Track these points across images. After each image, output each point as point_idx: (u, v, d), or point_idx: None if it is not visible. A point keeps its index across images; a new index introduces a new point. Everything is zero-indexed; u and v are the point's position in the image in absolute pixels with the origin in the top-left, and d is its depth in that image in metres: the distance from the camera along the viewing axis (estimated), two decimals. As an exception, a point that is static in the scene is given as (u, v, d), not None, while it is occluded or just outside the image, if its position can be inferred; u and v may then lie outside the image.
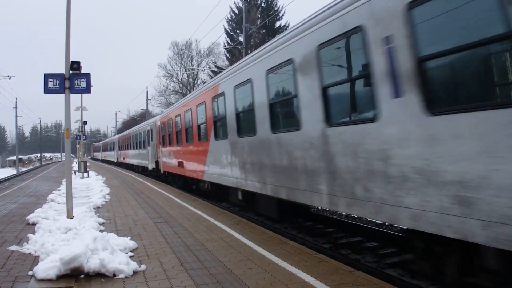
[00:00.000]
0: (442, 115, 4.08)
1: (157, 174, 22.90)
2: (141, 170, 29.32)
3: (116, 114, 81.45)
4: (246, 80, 9.04)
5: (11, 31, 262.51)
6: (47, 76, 8.72)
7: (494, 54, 3.82)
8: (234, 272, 5.18)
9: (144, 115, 53.83)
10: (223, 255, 5.99)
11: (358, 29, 5.24)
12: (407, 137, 4.54)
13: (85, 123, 29.95)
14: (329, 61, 6.17)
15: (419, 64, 4.30)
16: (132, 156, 33.02)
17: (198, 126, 13.22)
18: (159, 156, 21.70)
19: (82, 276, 5.11)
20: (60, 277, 5.03)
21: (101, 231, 7.36)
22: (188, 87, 56.31)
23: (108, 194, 14.24)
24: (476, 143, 3.73)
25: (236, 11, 44.83)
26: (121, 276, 5.09)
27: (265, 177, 8.30)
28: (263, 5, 44.44)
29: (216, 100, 11.23)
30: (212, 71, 43.12)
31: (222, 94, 10.58)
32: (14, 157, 77.27)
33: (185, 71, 56.78)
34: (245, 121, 9.44)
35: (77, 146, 33.68)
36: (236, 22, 44.16)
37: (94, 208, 10.75)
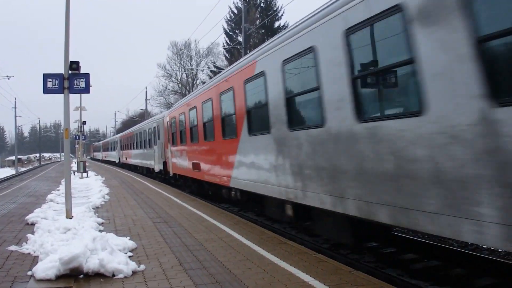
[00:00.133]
0: None
1: (165, 177, 20.82)
2: (145, 172, 27.57)
3: (115, 114, 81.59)
4: (305, 50, 6.48)
5: (11, 31, 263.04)
6: (46, 76, 8.73)
7: None
8: (233, 272, 5.18)
9: (143, 115, 53.80)
10: (222, 255, 5.99)
11: None
12: None
13: (84, 123, 29.88)
14: None
15: None
16: (136, 156, 30.69)
17: (222, 120, 10.72)
18: (167, 157, 19.57)
19: (81, 276, 5.11)
20: (59, 277, 5.02)
21: (100, 231, 7.36)
22: (187, 87, 56.36)
23: (107, 194, 14.24)
24: None
25: (235, 11, 44.86)
26: (120, 276, 5.09)
27: (344, 189, 5.69)
28: (262, 5, 44.47)
29: (250, 83, 8.78)
30: (211, 71, 43.12)
31: (261, 74, 8.14)
32: (13, 157, 77.18)
33: (184, 71, 56.86)
34: (303, 107, 7.15)
35: (76, 146, 33.65)
36: (235, 22, 44.15)
37: (93, 208, 10.75)
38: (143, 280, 4.99)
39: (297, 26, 6.90)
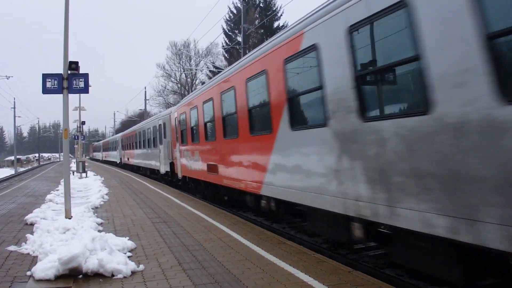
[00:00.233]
0: None
1: (172, 179, 18.70)
2: (149, 173, 25.41)
3: (114, 114, 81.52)
4: (393, 5, 4.51)
5: (11, 31, 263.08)
6: (45, 76, 8.73)
7: None
8: (232, 272, 5.18)
9: (143, 115, 53.79)
10: (222, 255, 5.99)
11: None
12: None
13: (83, 123, 29.88)
14: None
15: None
16: (139, 157, 28.39)
17: (249, 112, 8.80)
18: (175, 157, 17.62)
19: (81, 276, 5.11)
20: (59, 277, 5.03)
21: (100, 231, 7.37)
22: (186, 87, 56.38)
23: (106, 194, 14.24)
24: None
25: (235, 11, 44.89)
26: (120, 276, 5.09)
27: (476, 206, 3.69)
28: (261, 5, 44.53)
29: (294, 61, 6.93)
30: (210, 71, 43.13)
31: (312, 48, 6.29)
32: (12, 157, 77.17)
33: (184, 71, 56.90)
34: (386, 88, 5.17)
35: (75, 146, 33.62)
36: (235, 22, 44.16)
37: (92, 208, 10.75)
38: (142, 280, 4.99)
39: None
